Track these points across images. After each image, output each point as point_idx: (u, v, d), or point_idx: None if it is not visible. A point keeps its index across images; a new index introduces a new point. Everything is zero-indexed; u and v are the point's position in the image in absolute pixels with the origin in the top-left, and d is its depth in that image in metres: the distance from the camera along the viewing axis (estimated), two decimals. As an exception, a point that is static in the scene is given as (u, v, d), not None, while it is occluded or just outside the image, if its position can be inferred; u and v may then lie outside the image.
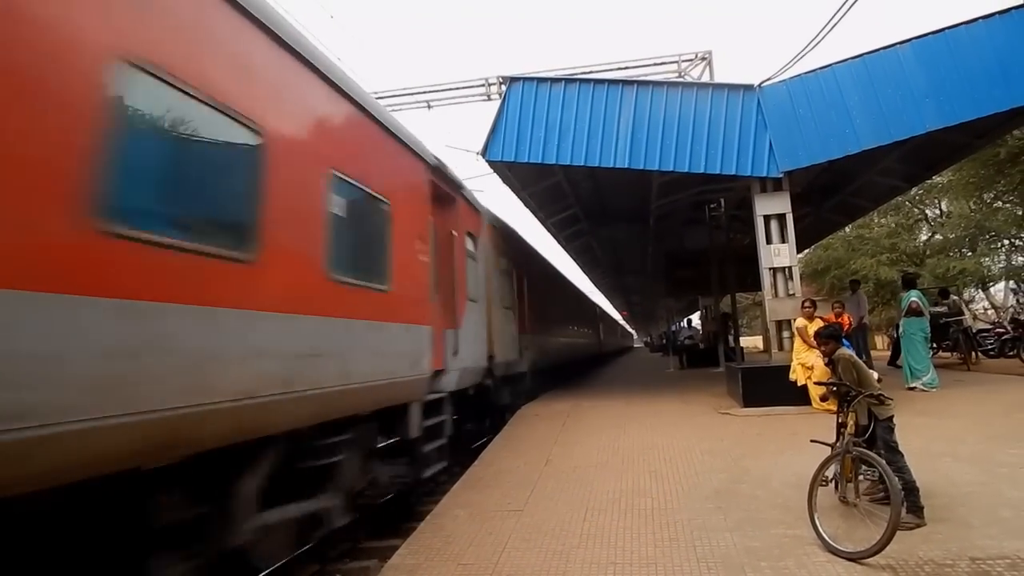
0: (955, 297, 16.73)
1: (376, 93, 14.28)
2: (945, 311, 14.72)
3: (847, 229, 24.56)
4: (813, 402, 8.63)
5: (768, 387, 9.17)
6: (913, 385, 10.01)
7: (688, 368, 21.27)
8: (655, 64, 14.25)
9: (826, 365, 4.73)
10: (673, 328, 29.85)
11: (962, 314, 14.40)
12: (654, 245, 19.24)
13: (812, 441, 4.41)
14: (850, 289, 14.16)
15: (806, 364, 8.67)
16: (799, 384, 8.82)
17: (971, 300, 24.90)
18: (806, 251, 26.34)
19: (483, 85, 14.54)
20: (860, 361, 4.44)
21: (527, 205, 14.24)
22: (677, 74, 14.06)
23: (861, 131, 9.17)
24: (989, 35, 8.77)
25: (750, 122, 9.68)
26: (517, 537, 4.44)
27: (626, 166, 9.95)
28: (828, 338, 4.53)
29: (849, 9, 8.80)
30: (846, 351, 4.47)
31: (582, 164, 10.27)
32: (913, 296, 10.74)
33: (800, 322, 8.99)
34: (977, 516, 4.11)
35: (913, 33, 9.15)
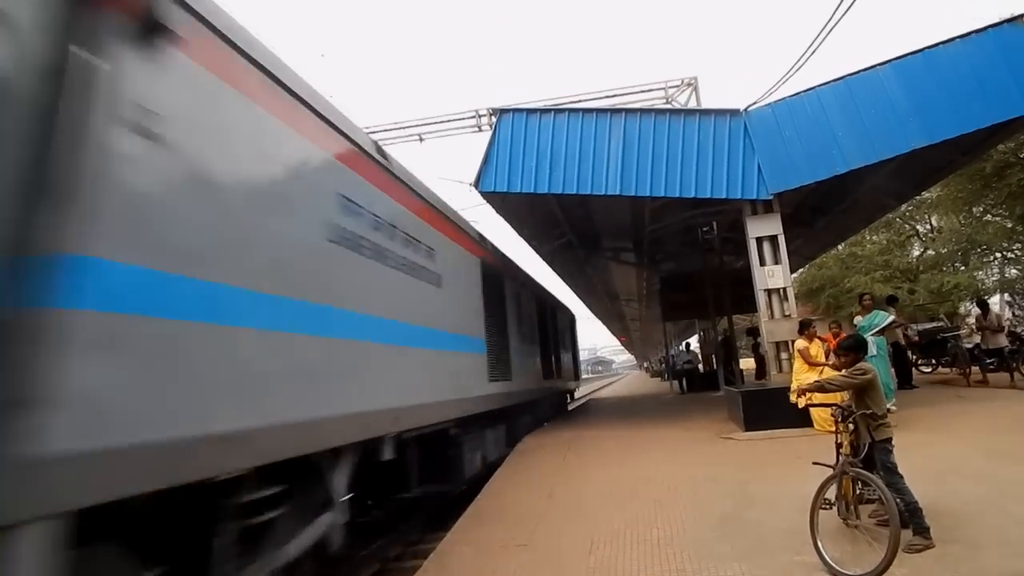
0: (997, 311, 16.19)
1: (369, 128, 14.44)
2: (942, 326, 14.65)
3: (840, 247, 24.68)
4: (815, 423, 8.55)
5: (769, 410, 9.06)
6: (889, 407, 9.66)
7: (688, 392, 21.14)
8: (642, 91, 14.47)
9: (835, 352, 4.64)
10: (672, 353, 29.68)
11: (1002, 329, 13.32)
12: (649, 270, 19.32)
13: (814, 463, 4.35)
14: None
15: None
16: (800, 406, 8.74)
17: (967, 314, 24.89)
18: (800, 270, 26.43)
19: (474, 117, 14.71)
20: (878, 381, 4.26)
21: (521, 234, 14.31)
22: (664, 100, 14.27)
23: (847, 151, 9.27)
24: (966, 53, 8.92)
25: (738, 146, 9.80)
26: (523, 573, 4.36)
27: (618, 193, 10.05)
28: (849, 349, 4.41)
29: (829, 34, 9.02)
30: (871, 367, 4.28)
31: (574, 193, 10.34)
32: (891, 316, 10.37)
33: (801, 343, 8.93)
34: (986, 535, 4.04)
35: (893, 53, 9.33)
